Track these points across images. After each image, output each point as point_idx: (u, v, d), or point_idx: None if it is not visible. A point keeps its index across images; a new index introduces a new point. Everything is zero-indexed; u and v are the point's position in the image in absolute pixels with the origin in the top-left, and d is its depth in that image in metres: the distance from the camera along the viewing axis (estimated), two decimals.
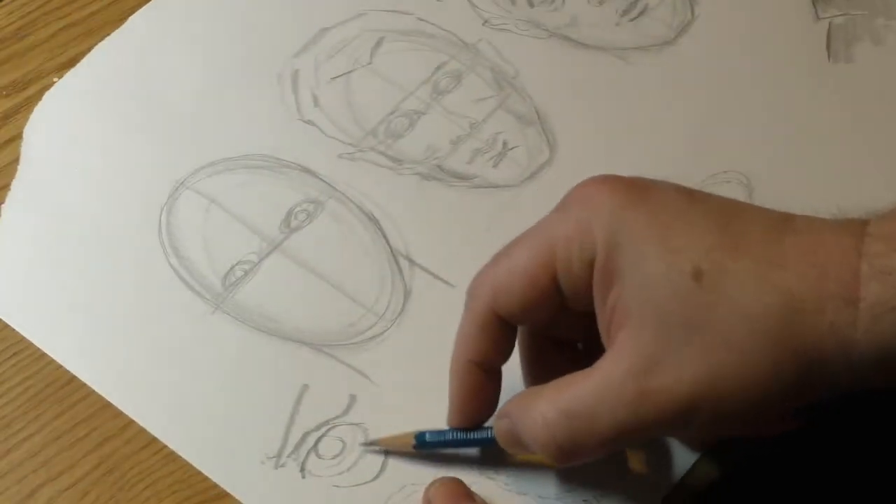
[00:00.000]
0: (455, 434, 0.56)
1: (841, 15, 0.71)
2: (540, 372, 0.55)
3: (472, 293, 0.54)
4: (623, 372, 0.49)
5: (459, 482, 0.55)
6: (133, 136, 0.67)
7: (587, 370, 0.50)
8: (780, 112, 0.67)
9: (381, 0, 0.71)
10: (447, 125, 0.67)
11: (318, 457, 0.57)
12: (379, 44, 0.70)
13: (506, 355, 0.55)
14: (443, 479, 0.55)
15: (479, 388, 0.54)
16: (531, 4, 0.72)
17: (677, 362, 0.48)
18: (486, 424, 0.55)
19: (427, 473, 0.56)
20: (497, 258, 0.53)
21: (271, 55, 0.69)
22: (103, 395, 0.59)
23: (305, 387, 0.58)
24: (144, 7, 0.71)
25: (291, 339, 0.60)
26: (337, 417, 0.58)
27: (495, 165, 0.66)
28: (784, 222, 0.50)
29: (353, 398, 0.58)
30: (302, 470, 0.56)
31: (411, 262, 0.62)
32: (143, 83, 0.68)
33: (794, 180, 0.64)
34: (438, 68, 0.69)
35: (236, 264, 0.62)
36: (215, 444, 0.57)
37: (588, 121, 0.67)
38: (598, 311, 0.51)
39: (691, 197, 0.51)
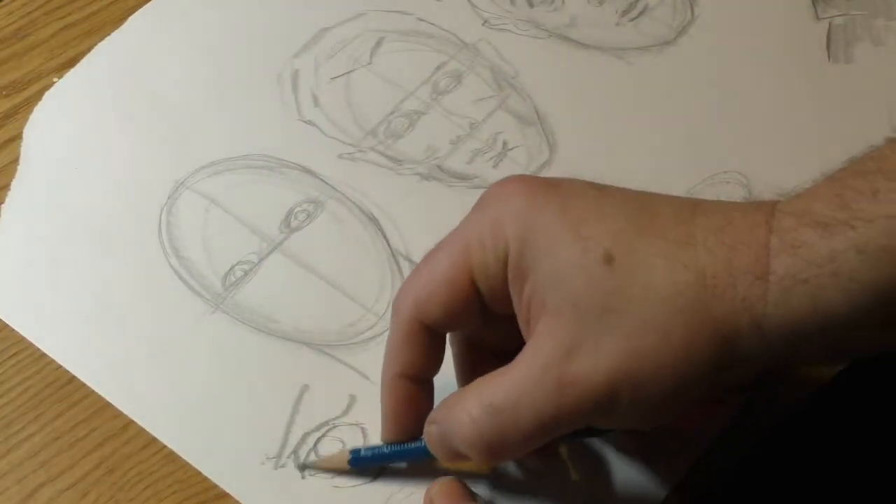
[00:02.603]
0: (390, 448, 0.55)
1: (841, 15, 0.71)
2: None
3: (395, 306, 0.54)
4: (542, 362, 0.49)
5: (461, 482, 0.55)
6: (133, 136, 0.67)
7: (509, 364, 0.50)
8: (780, 112, 0.67)
9: (381, 0, 0.71)
10: (447, 125, 0.67)
11: (318, 457, 0.57)
12: (379, 44, 0.70)
13: (436, 365, 0.54)
14: (444, 479, 0.55)
15: (410, 400, 0.54)
16: (531, 4, 0.72)
17: (594, 348, 0.48)
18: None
19: (427, 475, 0.56)
20: (417, 268, 0.54)
21: (271, 55, 0.69)
22: (103, 395, 0.59)
23: (305, 387, 0.58)
24: (144, 7, 0.71)
25: (291, 339, 0.60)
26: (337, 418, 0.58)
27: (495, 166, 0.66)
28: (694, 206, 0.50)
29: (352, 398, 0.58)
30: (302, 470, 0.56)
31: (411, 262, 0.62)
32: (143, 83, 0.68)
33: (793, 181, 0.64)
34: (438, 68, 0.69)
35: (236, 264, 0.62)
36: (215, 445, 0.57)
37: (588, 121, 0.67)
38: (515, 307, 0.51)
39: (601, 189, 0.51)
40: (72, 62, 0.70)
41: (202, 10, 0.71)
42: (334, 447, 0.57)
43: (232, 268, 0.62)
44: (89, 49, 0.70)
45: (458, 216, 0.63)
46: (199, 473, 0.57)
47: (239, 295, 0.61)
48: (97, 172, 0.65)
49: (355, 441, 0.57)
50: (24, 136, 0.67)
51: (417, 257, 0.62)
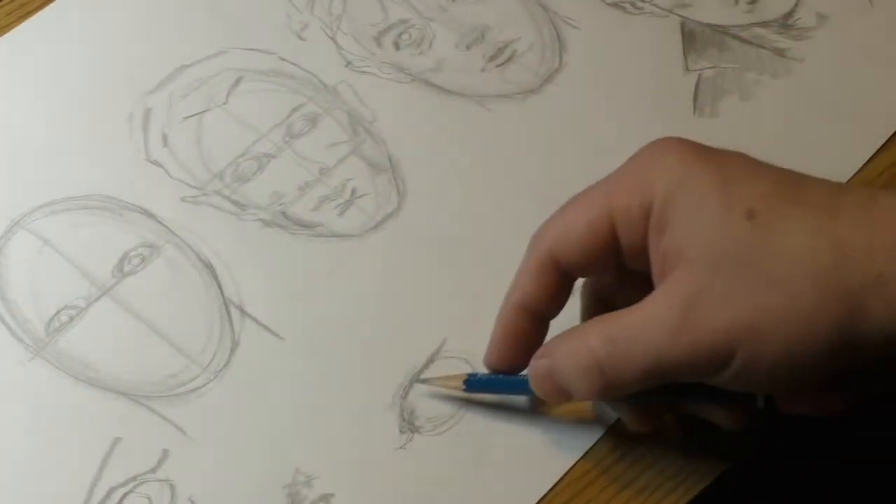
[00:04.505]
0: (501, 377, 0.56)
1: (711, 68, 0.69)
2: None
3: (535, 238, 0.55)
4: (668, 304, 0.50)
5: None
6: None
7: (635, 305, 0.51)
8: None
9: (244, 38, 0.69)
10: (297, 170, 0.65)
11: None
12: (237, 83, 0.68)
13: (557, 307, 0.55)
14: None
15: (522, 332, 0.55)
16: (397, 47, 0.70)
17: (722, 297, 0.49)
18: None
19: None
20: (563, 207, 0.55)
21: (126, 92, 0.67)
22: None
23: (118, 439, 0.57)
24: None
25: (109, 389, 0.58)
26: (146, 473, 0.56)
27: (341, 214, 0.64)
28: (841, 185, 0.52)
29: (165, 453, 0.57)
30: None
31: (243, 312, 0.61)
32: None
33: None
34: (294, 110, 0.67)
35: (62, 309, 0.61)
36: (21, 498, 0.56)
37: (441, 170, 0.65)
38: (651, 257, 0.52)
39: (757, 161, 0.52)
40: None
41: (58, 43, 0.69)
42: None
43: (58, 312, 0.61)
44: None
45: (297, 266, 0.62)
46: None
47: (62, 341, 0.60)
48: None
49: (162, 498, 0.55)
50: None
51: (250, 307, 0.61)
